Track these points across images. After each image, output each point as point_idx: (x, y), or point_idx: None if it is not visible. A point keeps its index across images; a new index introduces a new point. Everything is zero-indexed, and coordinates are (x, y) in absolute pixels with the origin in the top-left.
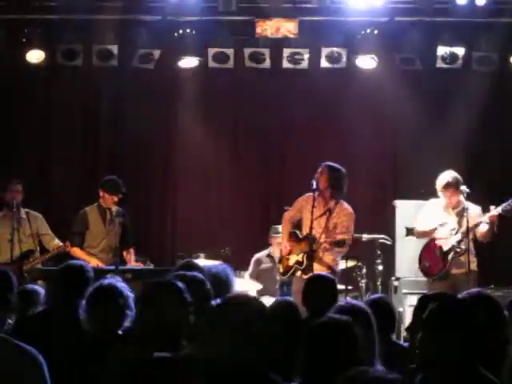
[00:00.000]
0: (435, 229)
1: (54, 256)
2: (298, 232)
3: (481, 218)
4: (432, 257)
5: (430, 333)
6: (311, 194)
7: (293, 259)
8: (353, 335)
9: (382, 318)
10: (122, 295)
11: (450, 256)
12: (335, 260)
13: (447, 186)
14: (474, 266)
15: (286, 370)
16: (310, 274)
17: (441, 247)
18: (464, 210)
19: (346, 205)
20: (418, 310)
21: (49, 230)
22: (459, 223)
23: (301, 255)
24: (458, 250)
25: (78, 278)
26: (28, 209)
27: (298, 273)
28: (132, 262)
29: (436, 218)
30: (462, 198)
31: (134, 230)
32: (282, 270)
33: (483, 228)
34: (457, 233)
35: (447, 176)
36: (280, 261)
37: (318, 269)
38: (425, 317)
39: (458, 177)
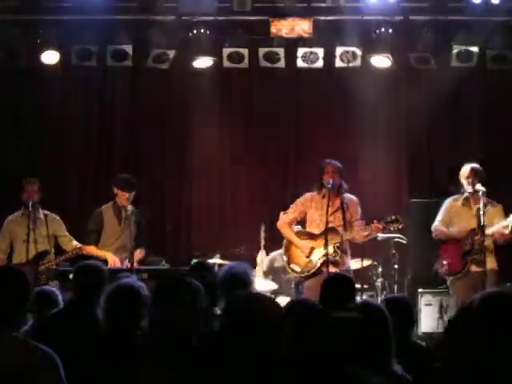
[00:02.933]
0: (455, 232)
1: (69, 258)
2: (307, 230)
3: (503, 222)
4: (452, 256)
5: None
6: (313, 193)
7: (317, 254)
8: None
9: (401, 316)
10: (140, 295)
11: (469, 257)
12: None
13: (473, 170)
14: (493, 264)
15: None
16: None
17: (461, 247)
18: (482, 207)
19: (350, 195)
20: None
21: (66, 232)
22: (478, 221)
23: (331, 247)
24: (478, 249)
25: (92, 279)
26: (46, 210)
27: (324, 268)
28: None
29: (456, 217)
30: (479, 195)
31: (148, 231)
32: (299, 270)
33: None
34: (477, 234)
35: (472, 163)
36: (289, 262)
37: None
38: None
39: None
